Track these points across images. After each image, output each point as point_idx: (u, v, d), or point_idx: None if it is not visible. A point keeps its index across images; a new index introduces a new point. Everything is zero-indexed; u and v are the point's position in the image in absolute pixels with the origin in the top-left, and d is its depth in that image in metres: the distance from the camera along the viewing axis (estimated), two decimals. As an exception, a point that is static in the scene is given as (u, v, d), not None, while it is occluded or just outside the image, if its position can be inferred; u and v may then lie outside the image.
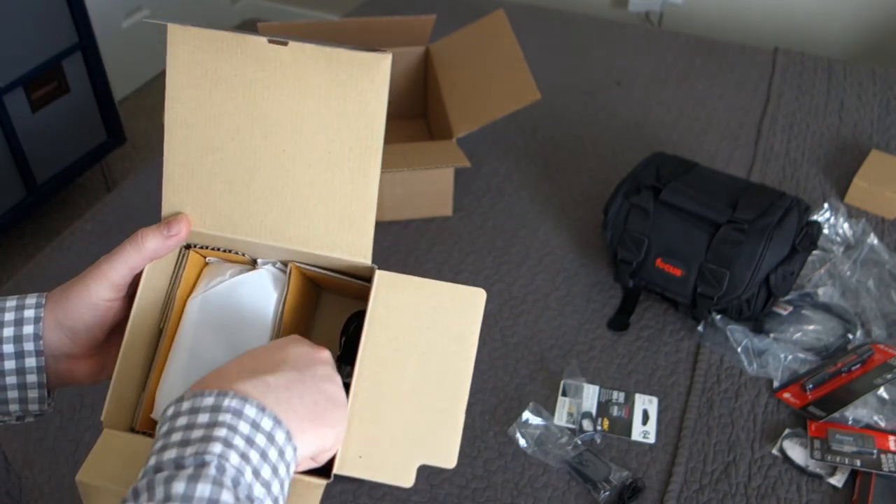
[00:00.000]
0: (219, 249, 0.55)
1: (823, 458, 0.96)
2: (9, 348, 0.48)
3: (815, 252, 1.22)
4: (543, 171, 1.46)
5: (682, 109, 1.64)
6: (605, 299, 1.21)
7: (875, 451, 0.96)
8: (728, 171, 1.45)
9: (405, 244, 1.30)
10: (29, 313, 0.49)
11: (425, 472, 0.97)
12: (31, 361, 0.49)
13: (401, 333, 0.49)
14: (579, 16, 1.98)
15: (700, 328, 1.15)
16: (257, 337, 0.53)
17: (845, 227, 1.29)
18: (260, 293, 0.53)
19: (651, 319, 1.18)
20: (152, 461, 0.38)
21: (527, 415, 1.03)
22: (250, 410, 0.40)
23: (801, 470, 0.97)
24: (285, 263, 0.55)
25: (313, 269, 0.54)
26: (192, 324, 0.52)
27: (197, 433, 0.38)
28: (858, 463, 0.94)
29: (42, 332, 0.49)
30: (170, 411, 0.41)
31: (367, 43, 1.48)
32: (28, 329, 0.48)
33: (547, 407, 1.05)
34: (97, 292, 0.50)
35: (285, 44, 0.49)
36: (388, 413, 0.47)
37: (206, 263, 0.56)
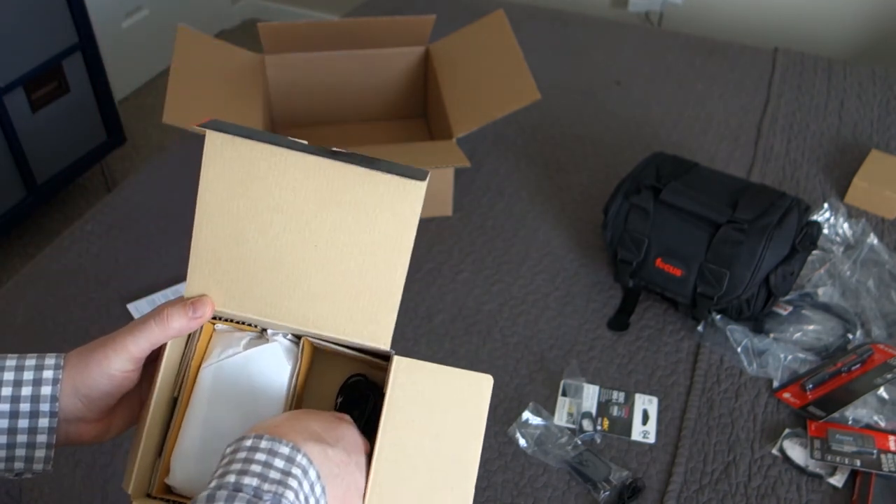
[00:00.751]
0: (232, 321, 0.57)
1: (823, 458, 0.96)
2: (25, 407, 0.49)
3: (815, 252, 1.22)
4: (543, 171, 1.46)
5: (682, 109, 1.64)
6: (605, 299, 1.21)
7: (875, 451, 0.96)
8: (728, 171, 1.45)
9: (405, 244, 1.30)
10: (48, 374, 0.50)
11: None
12: (44, 422, 0.50)
13: (416, 416, 0.52)
14: (579, 16, 1.98)
15: (700, 328, 1.15)
16: (270, 408, 0.55)
17: (845, 227, 1.29)
18: (273, 366, 0.56)
19: (651, 319, 1.18)
20: (231, 478, 0.43)
21: (527, 415, 1.03)
22: (312, 474, 0.45)
23: (801, 470, 0.97)
24: (297, 335, 0.57)
25: (326, 344, 0.57)
26: (205, 392, 0.55)
27: (274, 474, 0.43)
28: (858, 463, 0.94)
29: (59, 394, 0.50)
30: (248, 443, 0.45)
31: (367, 43, 1.48)
32: (46, 390, 0.49)
33: (547, 407, 1.05)
34: (116, 363, 0.51)
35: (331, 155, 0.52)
36: (405, 490, 0.51)
37: (214, 331, 0.58)
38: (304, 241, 0.53)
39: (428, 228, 1.33)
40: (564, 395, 1.06)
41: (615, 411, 1.05)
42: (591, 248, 1.30)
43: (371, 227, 0.53)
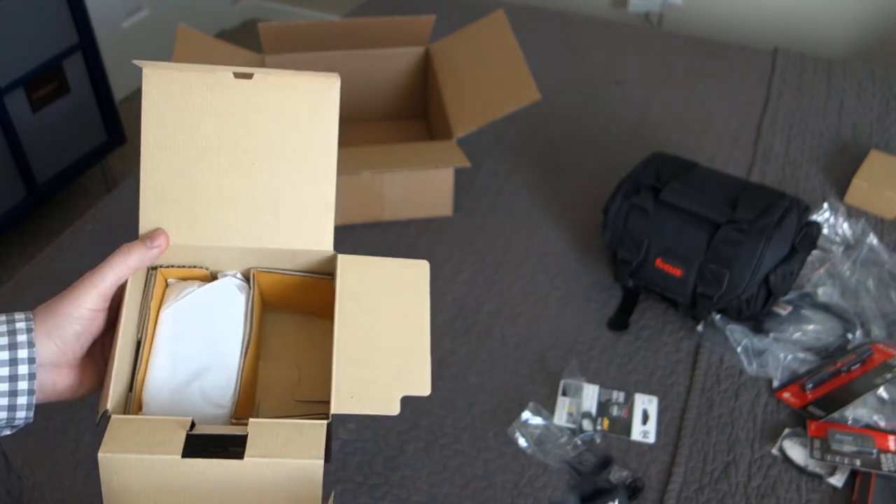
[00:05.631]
0: (183, 267, 0.61)
1: (823, 457, 0.96)
2: (3, 355, 0.50)
3: (814, 252, 1.22)
4: (543, 171, 1.46)
5: (682, 109, 1.64)
6: (605, 299, 1.21)
7: (875, 451, 0.96)
8: (728, 171, 1.45)
9: (405, 244, 1.30)
10: (20, 325, 0.51)
11: (426, 472, 0.97)
12: (23, 369, 0.51)
13: (367, 299, 0.57)
14: (579, 16, 1.98)
15: (700, 328, 1.15)
16: (232, 331, 0.58)
17: (845, 227, 1.29)
18: (228, 297, 0.59)
19: (651, 319, 1.18)
20: None
21: (527, 415, 1.03)
22: None
23: (801, 470, 0.97)
24: (245, 277, 0.61)
25: (276, 271, 0.61)
26: (168, 330, 0.58)
27: None
28: (858, 463, 0.94)
29: (34, 341, 0.51)
30: None
31: (367, 43, 1.48)
32: (22, 338, 0.51)
33: (547, 407, 1.05)
34: (86, 301, 0.53)
35: (250, 77, 0.57)
36: (369, 360, 0.55)
37: (167, 285, 0.61)
38: (240, 160, 0.57)
39: (428, 228, 1.33)
40: (564, 394, 1.06)
41: (615, 411, 1.05)
42: (591, 248, 1.30)
43: (297, 133, 0.57)
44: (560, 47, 1.84)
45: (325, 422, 0.52)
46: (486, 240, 1.31)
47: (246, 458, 0.48)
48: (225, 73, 0.57)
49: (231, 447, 0.49)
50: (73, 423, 1.02)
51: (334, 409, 0.53)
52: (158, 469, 0.49)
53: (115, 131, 2.28)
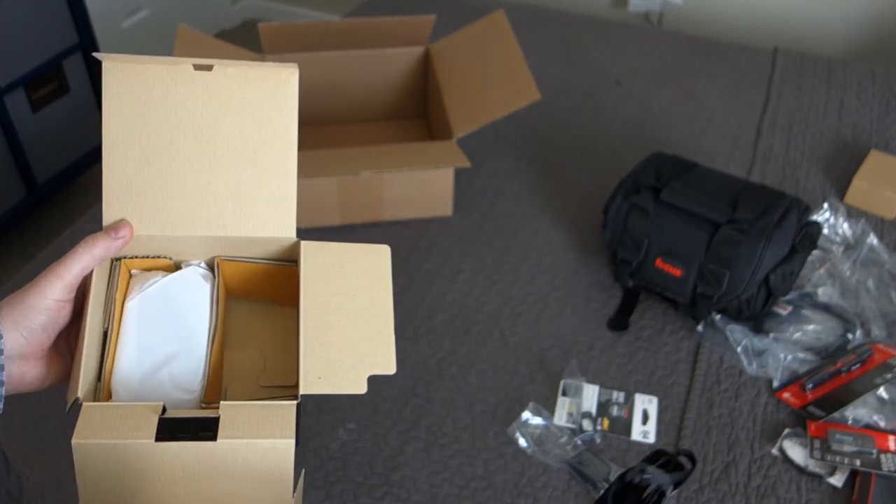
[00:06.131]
0: (147, 257, 0.61)
1: (823, 457, 0.96)
2: None
3: (814, 252, 1.22)
4: (543, 171, 1.46)
5: (682, 109, 1.64)
6: (605, 299, 1.21)
7: (875, 451, 0.96)
8: (728, 171, 1.46)
9: (405, 244, 1.30)
10: None
11: (426, 472, 0.97)
12: None
13: (330, 283, 0.58)
14: (579, 16, 1.98)
15: (700, 328, 1.15)
16: (198, 319, 0.59)
17: (845, 227, 1.29)
18: (193, 285, 0.60)
19: (651, 319, 1.18)
20: None
21: (527, 415, 1.03)
22: None
23: (801, 470, 0.97)
24: (209, 266, 0.62)
25: (240, 259, 0.62)
26: (134, 319, 0.58)
27: None
28: (858, 463, 0.94)
29: (2, 332, 0.52)
30: None
31: (367, 43, 1.48)
32: None
33: (547, 407, 1.05)
34: (52, 292, 0.53)
35: (210, 69, 0.57)
36: (335, 341, 0.56)
37: (131, 275, 0.61)
38: (203, 152, 0.58)
39: (428, 228, 1.33)
40: (564, 395, 1.06)
41: (615, 411, 1.05)
42: (591, 248, 1.30)
43: (257, 124, 0.58)
44: (560, 47, 1.84)
45: (294, 402, 0.52)
46: (486, 240, 1.31)
47: (219, 440, 0.49)
48: (185, 66, 0.57)
49: (203, 430, 0.50)
50: (73, 423, 1.02)
51: (303, 389, 0.53)
52: (132, 454, 0.49)
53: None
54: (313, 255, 0.59)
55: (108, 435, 0.49)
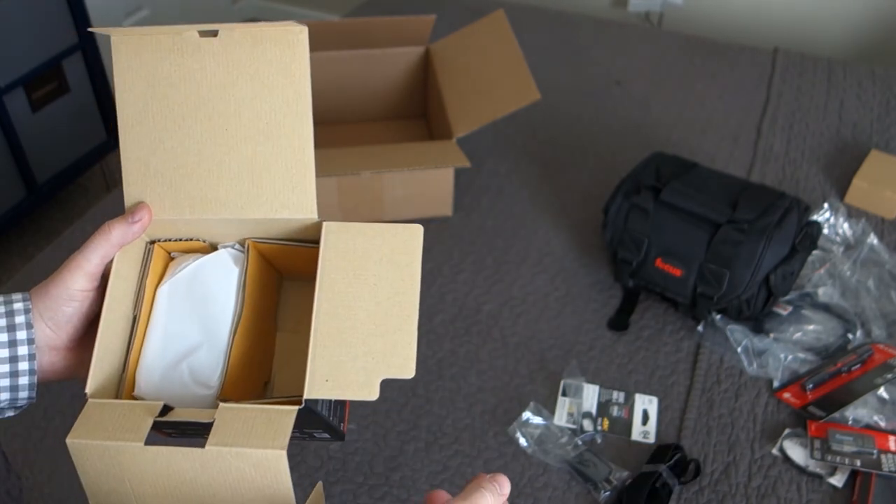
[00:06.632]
0: (181, 240, 0.59)
1: (823, 458, 0.96)
2: (2, 337, 0.51)
3: (814, 252, 1.22)
4: (543, 171, 1.46)
5: (682, 109, 1.64)
6: (605, 299, 1.21)
7: (875, 451, 0.96)
8: (728, 171, 1.45)
9: (405, 244, 1.30)
10: (18, 306, 0.52)
11: (426, 472, 0.97)
12: (23, 350, 0.51)
13: (351, 269, 0.54)
14: (579, 16, 1.98)
15: (700, 328, 1.15)
16: (223, 308, 0.56)
17: (845, 227, 1.29)
18: (222, 270, 0.57)
19: (651, 319, 1.18)
20: None
21: (527, 415, 1.03)
22: None
23: (801, 470, 0.97)
24: (243, 245, 0.59)
25: (269, 241, 0.58)
26: (163, 307, 0.56)
27: None
28: (858, 463, 0.94)
29: (32, 322, 0.52)
30: None
31: (367, 43, 1.48)
32: (20, 319, 0.51)
33: (547, 407, 1.05)
34: (73, 283, 0.53)
35: (215, 34, 0.55)
36: (349, 338, 0.51)
37: (172, 258, 0.60)
38: (214, 126, 0.55)
39: (428, 228, 1.33)
40: (564, 395, 1.06)
41: (615, 411, 1.05)
42: (591, 248, 1.30)
43: (268, 91, 0.55)
44: (560, 47, 1.84)
45: (295, 408, 0.49)
46: (486, 240, 1.31)
47: (207, 447, 0.47)
48: (191, 34, 0.55)
49: (197, 434, 0.48)
50: (73, 423, 1.02)
51: (307, 393, 0.50)
52: (125, 456, 0.48)
53: (115, 131, 2.28)
54: (335, 238, 0.55)
55: (100, 436, 0.48)
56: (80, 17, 2.03)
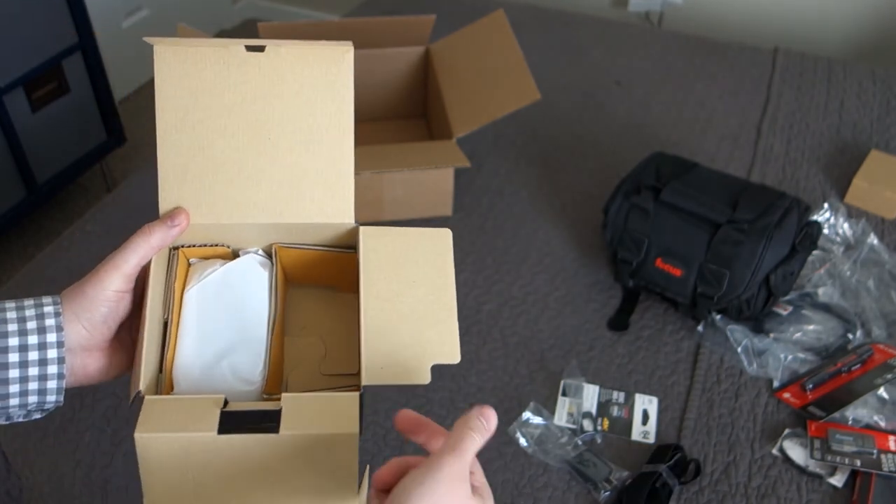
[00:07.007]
0: (206, 246, 0.60)
1: (823, 458, 0.96)
2: (33, 339, 0.51)
3: (815, 252, 1.22)
4: (543, 171, 1.46)
5: (682, 109, 1.64)
6: (605, 299, 1.21)
7: (875, 451, 0.96)
8: (728, 171, 1.45)
9: (405, 244, 1.30)
10: (48, 309, 0.52)
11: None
12: (52, 353, 0.51)
13: (391, 269, 0.57)
14: (579, 16, 1.98)
15: (700, 328, 1.15)
16: (257, 308, 0.58)
17: (845, 227, 1.29)
18: (251, 273, 0.59)
19: (651, 319, 1.18)
20: None
21: (527, 414, 1.03)
22: None
23: (801, 470, 0.97)
24: (267, 253, 0.61)
25: (298, 246, 0.61)
26: (193, 310, 0.58)
27: None
28: (858, 463, 0.94)
29: (62, 324, 0.52)
30: None
31: (367, 43, 1.48)
32: (50, 322, 0.51)
33: (547, 407, 1.05)
34: (111, 283, 0.53)
35: (262, 50, 0.57)
36: (397, 331, 0.55)
37: (190, 264, 0.61)
38: (258, 136, 0.57)
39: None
40: (564, 395, 1.06)
41: (615, 411, 1.05)
42: (591, 248, 1.30)
43: (312, 105, 0.57)
44: (560, 47, 1.84)
45: (357, 393, 0.51)
46: (486, 240, 1.31)
47: (281, 432, 0.48)
48: (237, 48, 0.56)
49: (265, 422, 0.49)
50: (73, 423, 1.02)
51: (365, 380, 0.53)
52: (195, 447, 0.49)
53: (115, 131, 2.28)
54: (373, 241, 0.58)
55: (170, 428, 0.49)
56: (80, 17, 2.03)
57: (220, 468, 0.49)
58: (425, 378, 0.54)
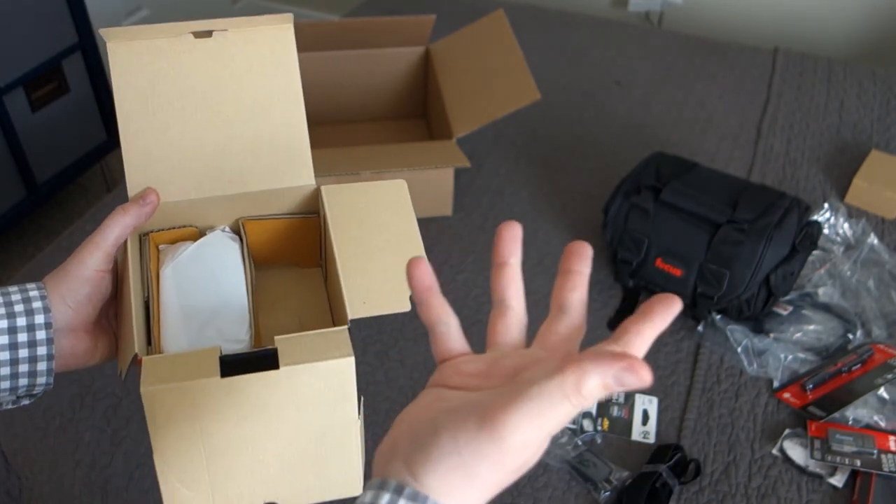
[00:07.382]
0: (173, 228, 0.63)
1: (823, 458, 0.96)
2: (21, 321, 0.51)
3: (815, 252, 1.22)
4: (543, 171, 1.46)
5: (682, 109, 1.64)
6: (605, 299, 1.21)
7: (875, 451, 0.96)
8: (728, 171, 1.45)
9: (405, 244, 1.30)
10: (34, 293, 0.53)
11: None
12: (41, 334, 0.52)
13: (357, 218, 0.61)
14: (579, 16, 1.98)
15: (700, 328, 1.15)
16: (233, 276, 0.61)
17: (845, 227, 1.29)
18: (222, 246, 0.62)
19: (651, 319, 1.18)
20: None
21: (527, 415, 1.03)
22: None
23: (801, 470, 0.97)
24: (234, 230, 0.65)
25: (264, 216, 0.64)
26: (172, 286, 0.60)
27: None
28: (858, 463, 0.94)
29: (50, 306, 0.53)
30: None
31: (367, 43, 1.48)
32: (37, 304, 0.52)
33: (547, 407, 1.05)
34: (92, 262, 0.55)
35: (210, 35, 0.60)
36: (372, 269, 0.59)
37: (159, 250, 0.63)
38: (214, 115, 0.61)
39: (428, 228, 1.33)
40: (564, 395, 1.06)
41: (615, 411, 1.05)
42: (591, 247, 1.30)
43: (262, 80, 0.61)
44: (560, 47, 1.84)
45: (345, 327, 0.54)
46: (486, 240, 1.31)
47: (282, 368, 0.50)
48: (186, 36, 0.60)
49: (264, 362, 0.51)
50: (73, 423, 1.02)
51: (350, 314, 0.55)
52: (200, 393, 0.50)
53: (114, 131, 2.28)
54: (336, 196, 0.62)
55: (174, 378, 0.50)
56: (80, 17, 2.03)
57: (226, 414, 0.50)
58: (405, 306, 0.57)
